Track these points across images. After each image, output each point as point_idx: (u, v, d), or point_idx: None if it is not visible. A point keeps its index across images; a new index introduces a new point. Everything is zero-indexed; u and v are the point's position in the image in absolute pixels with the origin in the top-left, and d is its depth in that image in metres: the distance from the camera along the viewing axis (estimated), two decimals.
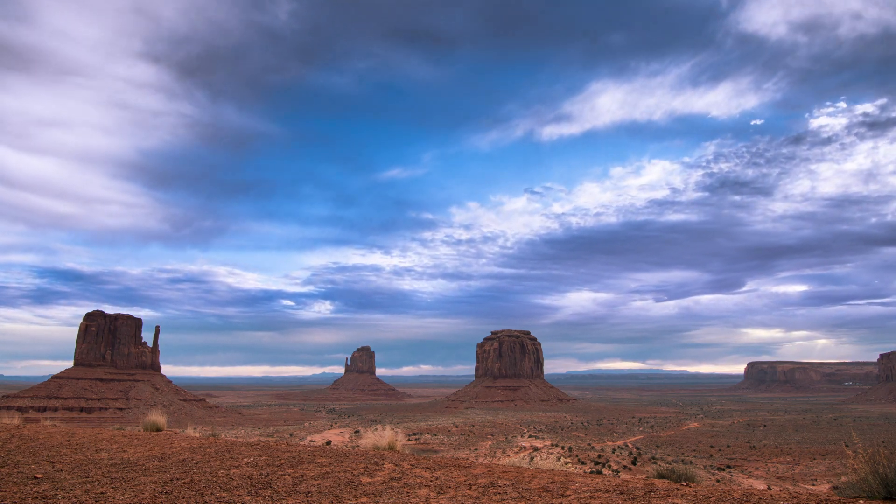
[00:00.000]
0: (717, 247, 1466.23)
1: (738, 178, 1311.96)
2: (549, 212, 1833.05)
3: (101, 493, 10.82)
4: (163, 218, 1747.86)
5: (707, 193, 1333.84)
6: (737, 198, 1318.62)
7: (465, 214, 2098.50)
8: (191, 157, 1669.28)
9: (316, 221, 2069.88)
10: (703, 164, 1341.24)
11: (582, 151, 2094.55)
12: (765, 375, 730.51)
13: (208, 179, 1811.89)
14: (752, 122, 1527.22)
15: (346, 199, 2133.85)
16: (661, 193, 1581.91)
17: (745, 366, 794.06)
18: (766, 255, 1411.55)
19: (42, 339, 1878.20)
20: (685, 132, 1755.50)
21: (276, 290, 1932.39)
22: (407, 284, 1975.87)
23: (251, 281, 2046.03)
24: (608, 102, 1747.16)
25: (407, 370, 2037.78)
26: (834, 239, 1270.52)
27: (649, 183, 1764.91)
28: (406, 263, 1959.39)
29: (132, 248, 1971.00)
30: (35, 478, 12.15)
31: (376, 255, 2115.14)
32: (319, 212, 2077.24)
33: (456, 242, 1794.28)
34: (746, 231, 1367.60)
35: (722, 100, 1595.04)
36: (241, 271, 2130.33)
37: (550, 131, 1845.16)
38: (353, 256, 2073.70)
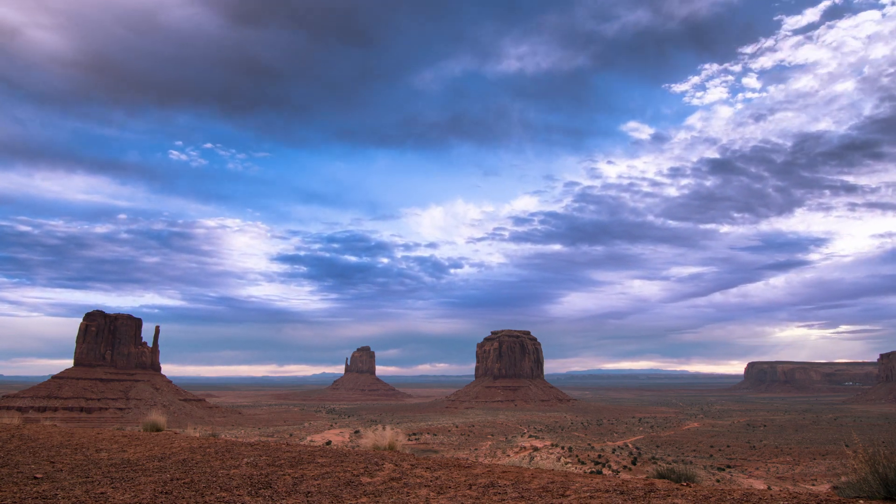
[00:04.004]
0: None
1: None
2: None
3: (101, 493, 10.82)
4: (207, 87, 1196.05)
5: None
6: None
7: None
8: None
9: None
10: None
11: None
12: (765, 375, 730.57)
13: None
14: None
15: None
16: None
17: (745, 365, 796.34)
18: None
19: (27, 333, 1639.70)
20: None
21: (312, 256, 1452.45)
22: (502, 251, 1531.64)
23: (290, 245, 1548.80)
24: None
25: (422, 369, 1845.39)
26: None
27: None
28: (544, 205, 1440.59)
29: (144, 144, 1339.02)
30: (35, 478, 12.15)
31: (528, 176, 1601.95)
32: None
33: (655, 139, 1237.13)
34: None
35: None
36: (282, 226, 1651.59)
37: None
38: (475, 203, 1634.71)
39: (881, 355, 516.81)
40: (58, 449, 15.92)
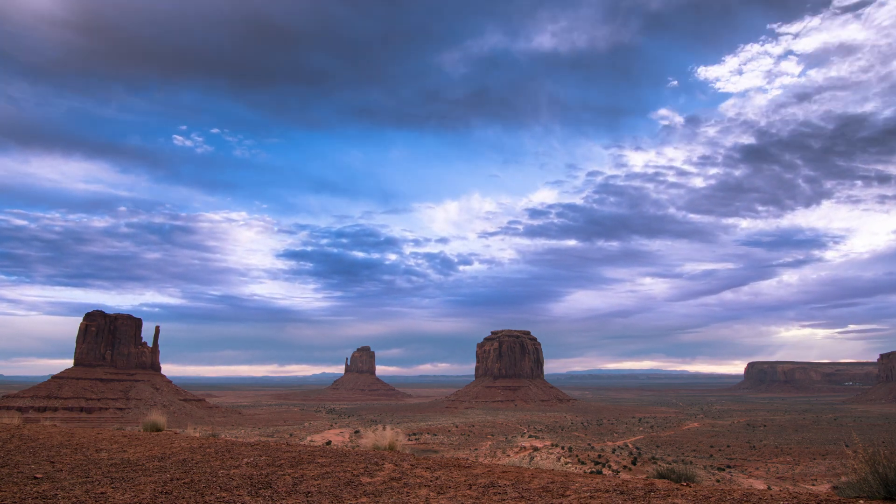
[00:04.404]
0: None
1: None
2: None
3: (101, 493, 10.81)
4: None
5: None
6: None
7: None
8: None
9: None
10: None
11: None
12: (765, 375, 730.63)
13: None
14: None
15: None
16: None
17: (745, 365, 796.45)
18: None
19: (27, 332, 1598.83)
20: None
21: (319, 252, 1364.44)
22: (515, 247, 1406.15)
23: (297, 240, 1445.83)
24: None
25: (424, 368, 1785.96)
26: None
27: None
28: (568, 197, 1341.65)
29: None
30: (35, 478, 12.15)
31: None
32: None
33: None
34: None
35: None
36: (290, 218, 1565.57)
37: None
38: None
39: (881, 355, 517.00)
40: (58, 449, 15.92)
